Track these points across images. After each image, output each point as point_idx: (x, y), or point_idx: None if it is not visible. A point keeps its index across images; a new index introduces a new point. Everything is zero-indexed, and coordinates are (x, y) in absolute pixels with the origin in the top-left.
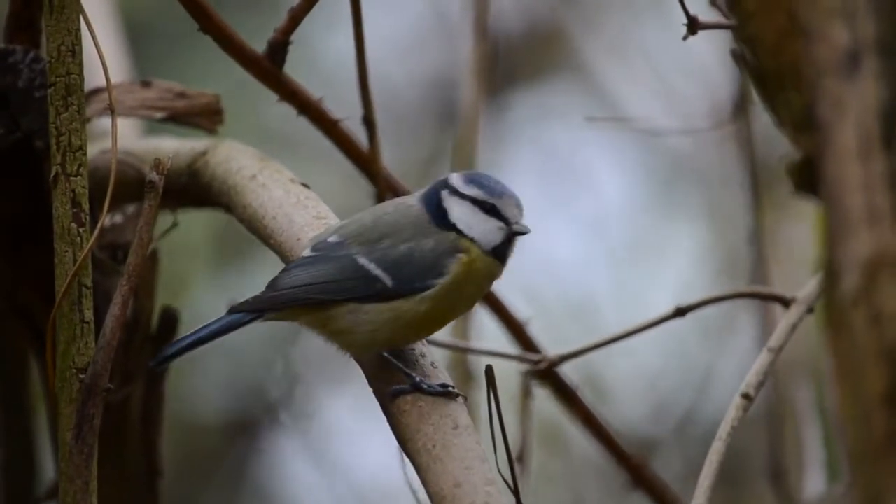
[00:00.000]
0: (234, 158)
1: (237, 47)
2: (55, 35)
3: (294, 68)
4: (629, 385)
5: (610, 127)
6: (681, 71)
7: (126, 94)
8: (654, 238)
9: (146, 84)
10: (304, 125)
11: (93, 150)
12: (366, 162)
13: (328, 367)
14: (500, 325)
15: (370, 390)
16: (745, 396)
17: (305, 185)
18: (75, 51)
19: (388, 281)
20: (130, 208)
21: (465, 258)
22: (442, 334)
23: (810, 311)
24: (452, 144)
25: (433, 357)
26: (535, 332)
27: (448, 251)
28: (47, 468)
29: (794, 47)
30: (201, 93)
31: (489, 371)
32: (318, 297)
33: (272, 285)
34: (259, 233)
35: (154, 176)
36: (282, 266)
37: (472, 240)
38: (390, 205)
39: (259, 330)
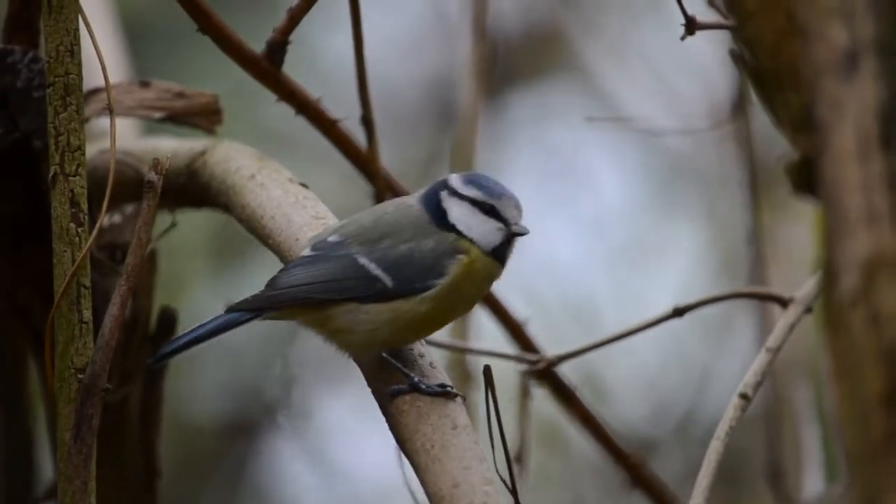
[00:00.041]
0: (233, 158)
1: (236, 47)
2: (54, 35)
3: (293, 68)
4: (628, 385)
5: (609, 127)
6: (680, 71)
7: (124, 94)
8: (653, 238)
9: (145, 84)
10: (302, 125)
11: (91, 150)
12: (364, 162)
13: (326, 367)
14: (498, 325)
15: (369, 390)
16: (744, 396)
17: (304, 185)
18: (74, 51)
19: (388, 281)
20: (129, 208)
21: (465, 259)
22: (440, 334)
23: (808, 311)
24: (451, 144)
25: (432, 357)
26: (534, 332)
27: (448, 252)
28: (46, 468)
29: (792, 47)
30: (200, 93)
31: (487, 371)
32: (317, 296)
33: (271, 284)
34: (257, 233)
35: (152, 176)
36: (280, 266)
37: (471, 240)
38: (390, 205)
39: (258, 330)
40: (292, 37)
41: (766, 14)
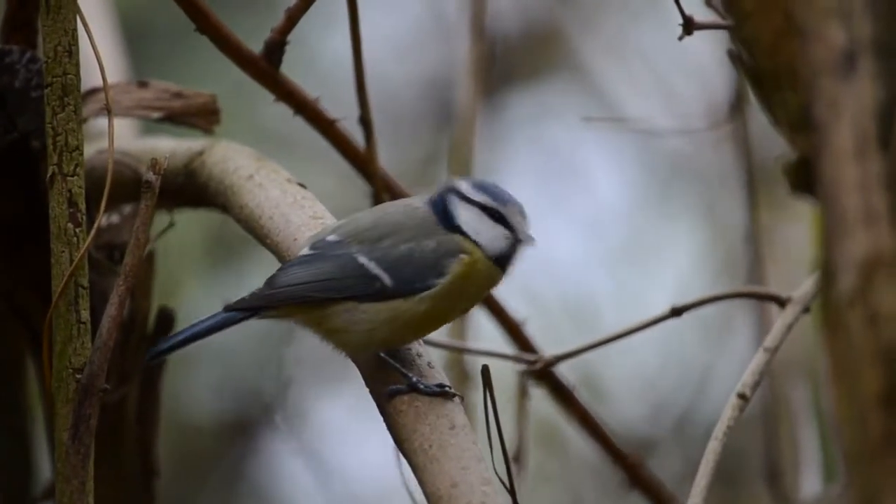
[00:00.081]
0: (231, 158)
1: (234, 47)
2: (52, 35)
3: (291, 68)
4: (626, 385)
5: (607, 127)
6: (678, 71)
7: (123, 95)
8: (652, 238)
9: (143, 84)
10: (300, 125)
11: (89, 150)
12: (362, 162)
13: (324, 367)
14: (496, 324)
15: (366, 390)
16: (741, 396)
17: (302, 185)
18: (72, 51)
19: (387, 280)
20: (127, 208)
21: (466, 259)
22: (439, 334)
23: (806, 311)
24: (449, 144)
25: (430, 357)
26: (532, 331)
27: (449, 251)
28: (44, 468)
29: (790, 47)
30: (198, 93)
31: (485, 371)
32: (316, 295)
33: (270, 283)
34: (256, 233)
35: (150, 176)
36: (278, 265)
37: (477, 244)
38: (394, 205)
39: (256, 330)
40: (290, 37)
41: (764, 14)
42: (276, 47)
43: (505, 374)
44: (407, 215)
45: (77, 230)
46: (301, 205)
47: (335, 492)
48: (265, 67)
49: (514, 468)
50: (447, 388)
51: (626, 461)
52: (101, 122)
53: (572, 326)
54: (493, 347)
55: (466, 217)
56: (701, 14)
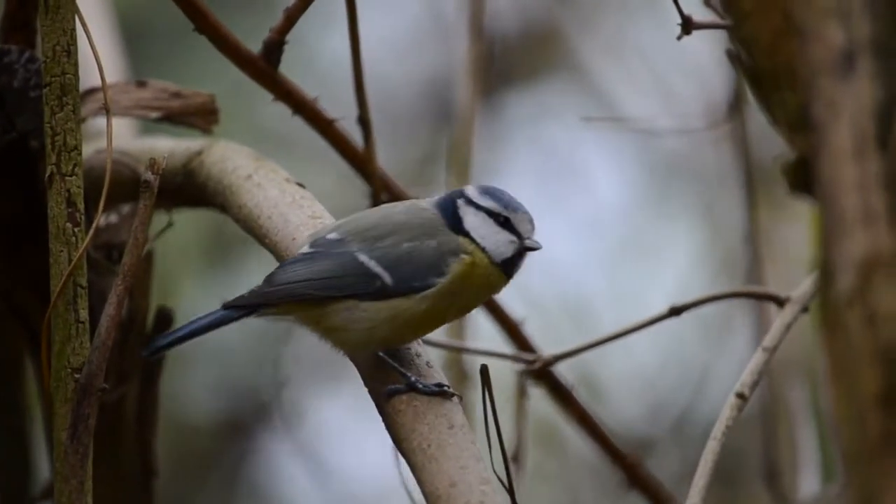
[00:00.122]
0: (230, 158)
1: (232, 47)
2: (50, 35)
3: (289, 68)
4: (625, 385)
5: (606, 127)
6: (676, 71)
7: (121, 94)
8: (651, 237)
9: (141, 84)
10: (299, 125)
11: (88, 149)
12: (361, 162)
13: (323, 366)
14: (495, 324)
15: (365, 390)
16: (740, 396)
17: (301, 185)
18: (70, 51)
19: (387, 279)
20: (126, 208)
21: (467, 259)
22: (437, 334)
23: (805, 310)
24: (448, 144)
25: (428, 357)
26: (531, 331)
27: (451, 251)
28: (42, 468)
29: (789, 47)
30: (196, 93)
31: (484, 370)
32: (316, 292)
33: (269, 280)
34: (254, 232)
35: (149, 176)
36: (277, 265)
37: (483, 249)
38: (398, 206)
39: (254, 330)
40: (289, 36)
41: (762, 14)
42: (274, 47)
43: (504, 374)
44: (411, 215)
45: (75, 230)
46: (300, 204)
47: (333, 491)
48: (264, 67)
49: (512, 468)
50: (446, 388)
51: (624, 461)
52: (100, 122)
53: (571, 326)
54: (491, 347)
55: (473, 221)
56: (700, 14)
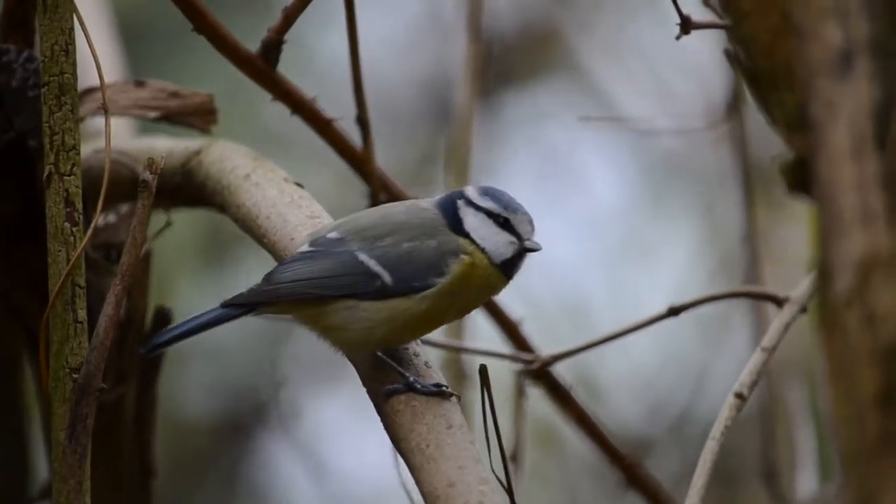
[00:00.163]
0: (228, 158)
1: (231, 47)
2: (49, 34)
3: (288, 68)
4: (623, 385)
5: (604, 127)
6: (675, 71)
7: (119, 94)
8: (649, 237)
9: (140, 83)
10: (297, 125)
11: (86, 149)
12: (359, 161)
13: (321, 366)
14: (494, 324)
15: (364, 390)
16: (739, 396)
17: (299, 185)
18: (69, 50)
19: (387, 278)
20: (124, 208)
21: (467, 259)
22: (436, 334)
23: (804, 310)
24: (446, 144)
25: (427, 356)
26: (529, 331)
27: (451, 251)
28: (41, 468)
29: (787, 47)
30: (195, 92)
31: (483, 370)
32: (315, 291)
33: (268, 279)
34: (253, 232)
35: (147, 175)
36: (274, 264)
37: (483, 250)
38: (398, 205)
39: (253, 330)
40: (287, 36)
41: (760, 14)
42: (272, 47)
43: (502, 374)
44: (412, 215)
45: (74, 229)
46: (298, 204)
47: (332, 491)
48: (262, 67)
49: (511, 468)
50: (444, 388)
51: (623, 461)
52: (98, 122)
53: (569, 326)
54: (490, 347)
55: (473, 222)
56: (698, 14)
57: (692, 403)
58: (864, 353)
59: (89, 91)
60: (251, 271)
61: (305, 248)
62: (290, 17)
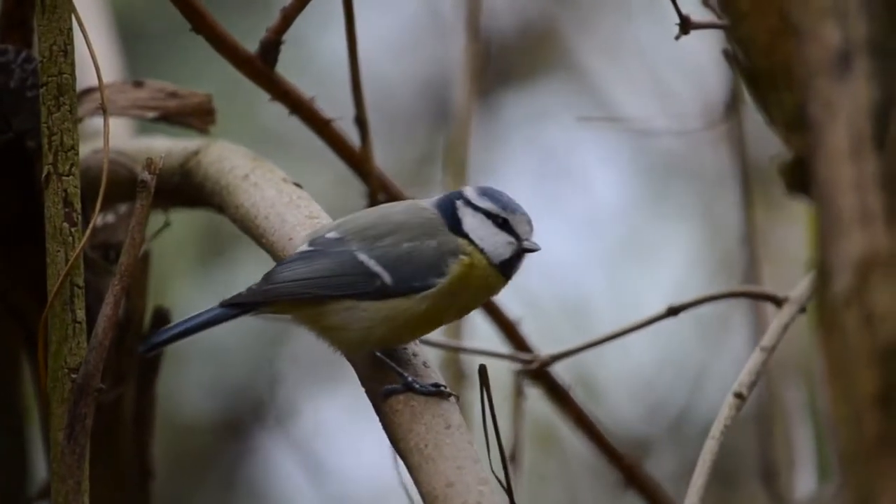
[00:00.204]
0: (227, 158)
1: (229, 47)
2: (47, 35)
3: (286, 68)
4: (622, 385)
5: (603, 127)
6: (674, 71)
7: (118, 94)
8: (648, 238)
9: (138, 84)
10: (296, 125)
11: (85, 149)
12: (358, 161)
13: (320, 366)
14: (492, 324)
15: (362, 390)
16: (738, 396)
17: (298, 185)
18: (67, 50)
19: (387, 278)
20: (123, 208)
21: (466, 260)
22: (434, 334)
23: (803, 310)
24: (445, 144)
25: (425, 356)
26: (528, 331)
27: (451, 252)
28: (39, 468)
29: (786, 47)
30: (193, 92)
31: (483, 370)
32: (314, 291)
33: (267, 278)
34: (251, 232)
35: (146, 175)
36: (272, 264)
37: (481, 251)
38: (400, 205)
39: (252, 330)
40: (286, 36)
41: (759, 14)
42: (271, 47)
43: (501, 374)
44: (411, 215)
45: (72, 230)
46: (297, 204)
47: (331, 492)
48: (260, 67)
49: (510, 468)
50: (443, 388)
51: (622, 461)
52: (97, 122)
53: (568, 326)
54: (488, 347)
55: (471, 223)
56: (697, 14)
57: (691, 403)
58: (863, 354)
59: (88, 91)
60: (250, 271)
61: (304, 247)
62: (288, 17)
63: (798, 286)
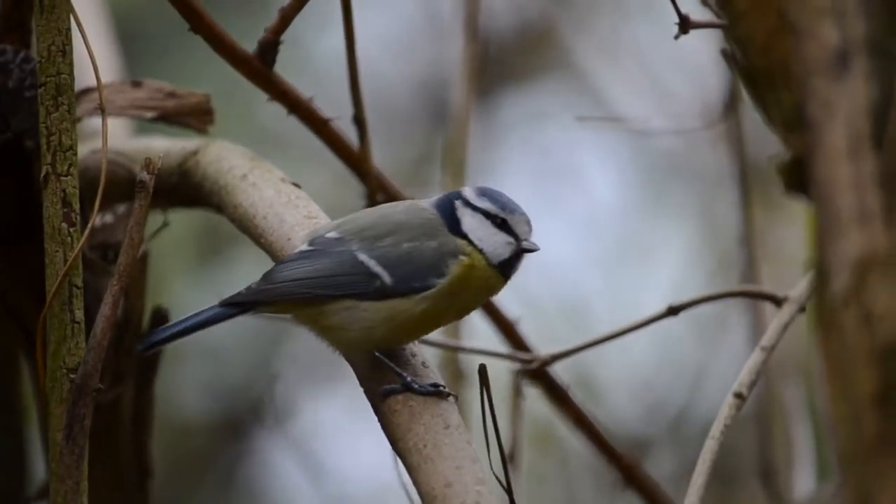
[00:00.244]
0: (225, 158)
1: (227, 47)
2: (46, 35)
3: (284, 68)
4: (622, 384)
5: (601, 127)
6: (672, 70)
7: (116, 94)
8: (646, 237)
9: (136, 84)
10: (294, 125)
11: (83, 149)
12: (356, 161)
13: (319, 367)
14: (491, 324)
15: (361, 390)
16: (738, 395)
17: (296, 185)
18: (66, 50)
19: (386, 278)
20: (121, 208)
21: (466, 260)
22: (433, 333)
23: (802, 310)
24: (443, 144)
25: (424, 356)
26: (527, 331)
27: (451, 253)
28: (38, 468)
29: (784, 46)
30: (191, 92)
31: (483, 370)
32: (314, 291)
33: (267, 277)
34: (250, 232)
35: (144, 175)
36: (271, 264)
37: (480, 251)
38: (400, 206)
39: (251, 330)
40: (284, 36)
41: (757, 13)
42: (269, 47)
43: (500, 374)
44: (411, 215)
45: (71, 230)
46: (295, 204)
47: (329, 492)
48: (259, 67)
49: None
50: (442, 388)
51: (621, 461)
52: (95, 122)
53: (567, 326)
54: (487, 347)
55: (470, 223)
56: (696, 13)
57: (690, 403)
58: (862, 353)
59: (86, 91)
60: (248, 271)
61: (304, 247)
62: (286, 17)
63: (798, 285)
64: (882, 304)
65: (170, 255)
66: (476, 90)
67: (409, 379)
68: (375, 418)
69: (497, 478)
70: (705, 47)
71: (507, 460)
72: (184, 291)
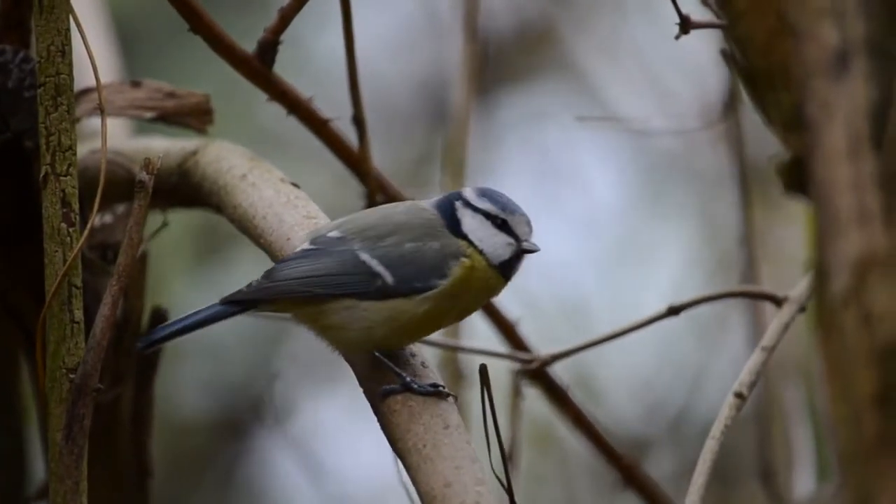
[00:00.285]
0: (225, 158)
1: (227, 47)
2: (45, 35)
3: (284, 68)
4: (621, 385)
5: (601, 127)
6: (671, 70)
7: (116, 94)
8: (646, 238)
9: (136, 84)
10: (294, 125)
11: (82, 149)
12: (356, 161)
13: (319, 366)
14: (491, 324)
15: (361, 390)
16: (739, 395)
17: (295, 185)
18: (65, 51)
19: (388, 278)
20: (120, 208)
21: (467, 262)
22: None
23: (802, 310)
24: (443, 144)
25: (424, 356)
26: (527, 331)
27: (452, 254)
28: (38, 468)
29: (783, 47)
30: (191, 92)
31: (483, 370)
32: (315, 290)
33: (268, 276)
34: (249, 232)
35: (144, 176)
36: (270, 264)
37: (481, 252)
38: (401, 206)
39: (250, 329)
40: (284, 36)
41: (757, 13)
42: (269, 47)
43: (499, 374)
44: (412, 216)
45: (70, 230)
46: (294, 204)
47: (329, 491)
48: (258, 67)
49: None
50: (441, 388)
51: (620, 461)
52: (95, 122)
53: (567, 326)
54: (487, 347)
55: (471, 224)
56: (696, 13)
57: (690, 403)
58: (862, 353)
59: (86, 91)
60: (248, 271)
61: (306, 245)
62: (286, 18)
63: (798, 286)
64: (882, 304)
65: (169, 255)
66: (476, 90)
67: (408, 379)
68: (375, 418)
69: (497, 478)
70: (705, 47)
71: (507, 460)
72: (183, 291)
